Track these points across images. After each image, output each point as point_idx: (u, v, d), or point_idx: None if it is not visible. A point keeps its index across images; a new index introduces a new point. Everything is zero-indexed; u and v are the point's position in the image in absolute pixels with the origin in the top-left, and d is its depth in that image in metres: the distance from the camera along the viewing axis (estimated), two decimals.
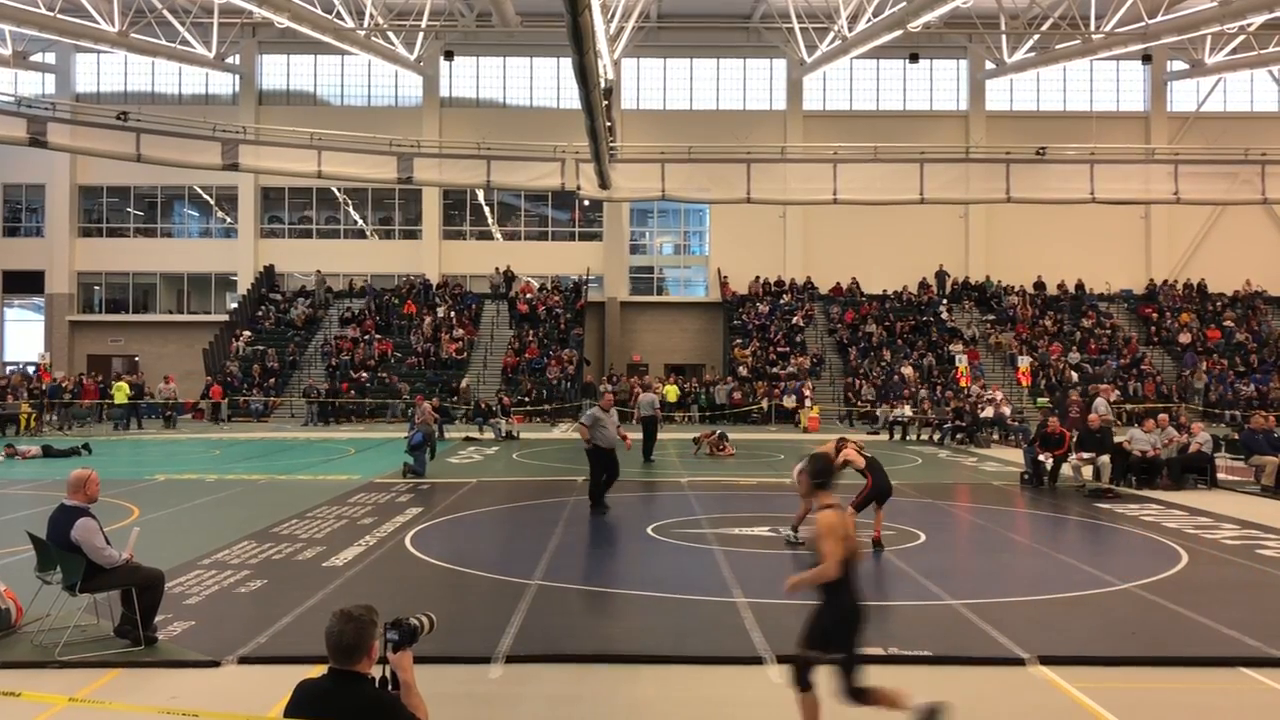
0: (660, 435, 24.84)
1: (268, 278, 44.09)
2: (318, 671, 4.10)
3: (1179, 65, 43.26)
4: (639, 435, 23.32)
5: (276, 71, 44.91)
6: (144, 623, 7.68)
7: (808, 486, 6.14)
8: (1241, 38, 38.35)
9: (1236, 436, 19.93)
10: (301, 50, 43.48)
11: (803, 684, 5.80)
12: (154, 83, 44.50)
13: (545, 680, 7.16)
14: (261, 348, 39.40)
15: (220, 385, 36.53)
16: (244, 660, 7.46)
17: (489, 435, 29.75)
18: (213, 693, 6.83)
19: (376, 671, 4.03)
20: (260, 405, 36.47)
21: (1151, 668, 7.44)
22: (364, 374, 37.79)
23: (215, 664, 7.37)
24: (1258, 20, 32.64)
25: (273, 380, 37.76)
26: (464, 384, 36.54)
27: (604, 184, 31.75)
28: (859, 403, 36.56)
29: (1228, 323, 41.86)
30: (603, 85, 26.33)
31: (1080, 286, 43.62)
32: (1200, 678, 7.23)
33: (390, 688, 4.03)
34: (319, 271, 43.66)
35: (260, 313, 42.31)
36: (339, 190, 44.48)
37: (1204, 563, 11.25)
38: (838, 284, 43.76)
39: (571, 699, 6.80)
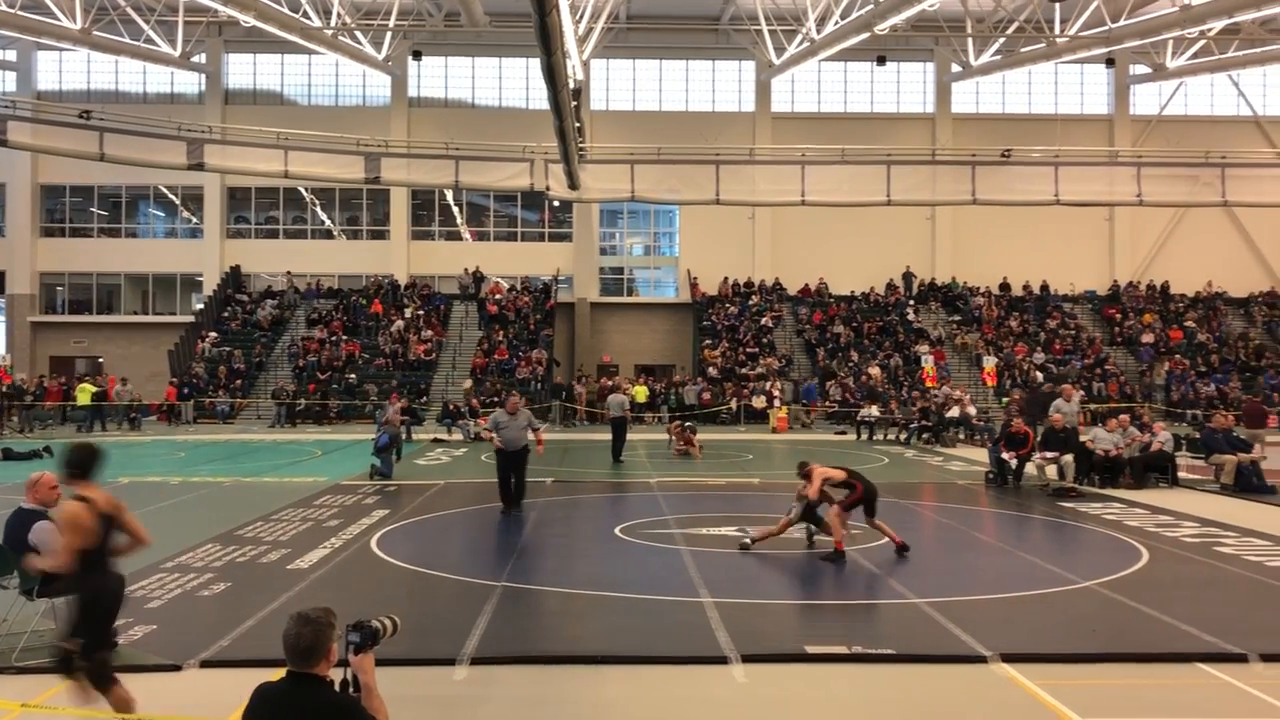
0: (630, 436, 24.85)
1: (234, 278, 43.72)
2: (279, 675, 4.08)
3: (1141, 69, 43.78)
4: (608, 436, 23.41)
5: (243, 70, 44.56)
6: None
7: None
8: (1202, 42, 38.86)
9: (1197, 436, 20.20)
10: (268, 49, 43.16)
11: (97, 681, 5.69)
12: (118, 81, 44.03)
13: (511, 682, 7.16)
14: (228, 349, 39.06)
15: (177, 387, 36.26)
16: (206, 664, 7.40)
17: (457, 437, 29.66)
18: (173, 697, 6.78)
19: (337, 674, 4.02)
20: (226, 407, 36.17)
21: (1111, 664, 7.52)
22: (348, 378, 37.55)
23: (176, 668, 7.32)
24: (1217, 25, 33.09)
25: (239, 382, 37.46)
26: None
27: (573, 185, 31.72)
28: (828, 403, 36.74)
29: (1189, 323, 42.41)
30: (571, 86, 26.30)
31: (1045, 287, 44.06)
32: (1159, 674, 7.33)
33: (351, 690, 4.01)
34: (288, 273, 43.35)
35: (226, 314, 41.95)
36: (306, 190, 44.19)
37: (1164, 560, 11.40)
38: (806, 285, 43.96)
39: (536, 700, 6.80)
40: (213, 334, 40.05)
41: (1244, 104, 45.27)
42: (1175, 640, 8.03)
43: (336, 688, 3.97)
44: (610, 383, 35.72)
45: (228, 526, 13.22)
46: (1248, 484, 17.41)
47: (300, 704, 3.88)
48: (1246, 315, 43.91)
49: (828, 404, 36.70)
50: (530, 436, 15.00)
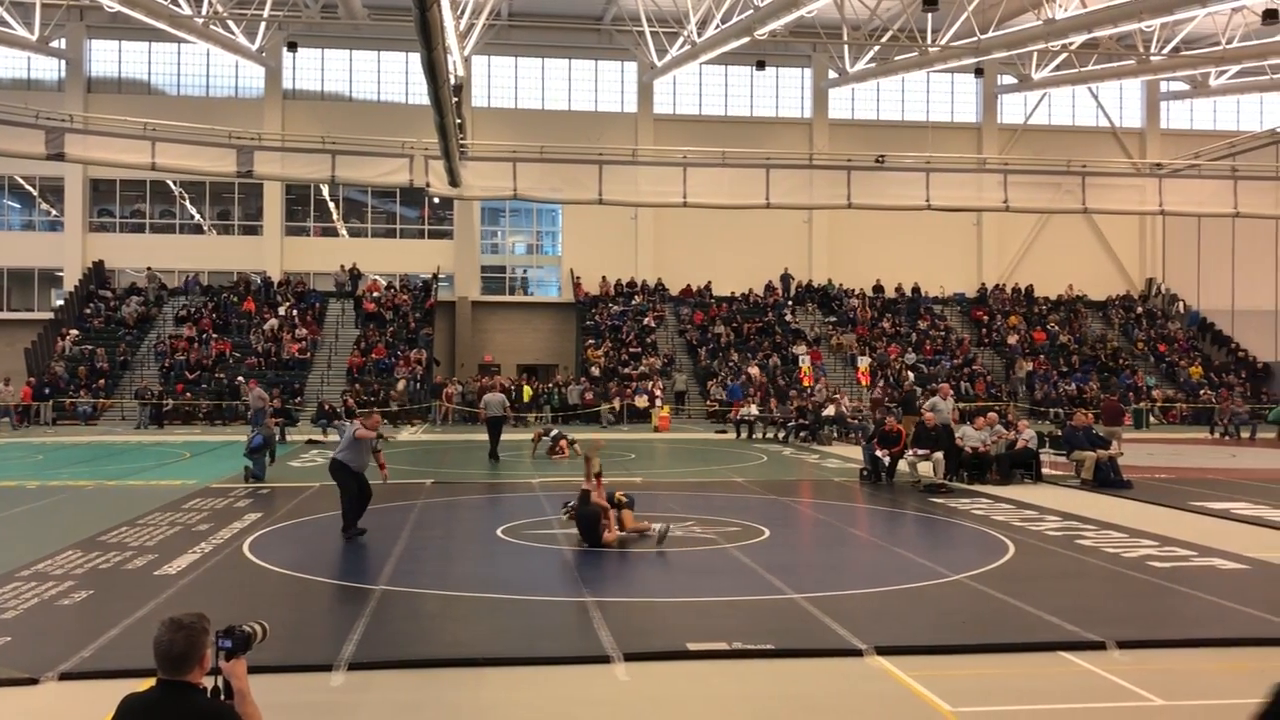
0: (508, 436, 24.70)
1: (97, 274, 41.93)
2: (147, 685, 3.92)
3: (1009, 79, 45.49)
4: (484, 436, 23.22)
5: (107, 58, 42.79)
6: None
7: None
8: (1064, 55, 40.57)
9: (1059, 433, 21.03)
10: (134, 36, 41.52)
11: None
12: None
13: (388, 687, 7.03)
14: (90, 347, 37.47)
15: (34, 387, 34.65)
16: (65, 676, 7.06)
17: (333, 438, 28.94)
18: (30, 713, 6.46)
19: (208, 682, 3.88)
20: (88, 408, 34.68)
21: (979, 654, 7.77)
22: (219, 377, 36.34)
23: (34, 681, 6.96)
24: (1078, 39, 34.60)
25: (102, 382, 35.96)
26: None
27: (454, 181, 31.34)
28: (709, 402, 37.15)
29: (1052, 325, 44.23)
30: (453, 82, 26.00)
31: (916, 290, 45.40)
32: (1023, 662, 7.60)
33: (223, 698, 3.88)
34: (149, 268, 41.80)
35: (89, 310, 40.21)
36: (175, 183, 42.67)
37: (1029, 553, 11.84)
38: (688, 285, 44.37)
39: (414, 705, 6.69)
40: (74, 331, 38.36)
41: (1102, 116, 47.45)
42: (1039, 630, 8.34)
43: (208, 695, 3.84)
44: (489, 382, 35.44)
45: (90, 532, 12.66)
46: (1106, 479, 18.21)
47: (172, 713, 3.73)
48: (1105, 318, 46.03)
49: (709, 403, 37.10)
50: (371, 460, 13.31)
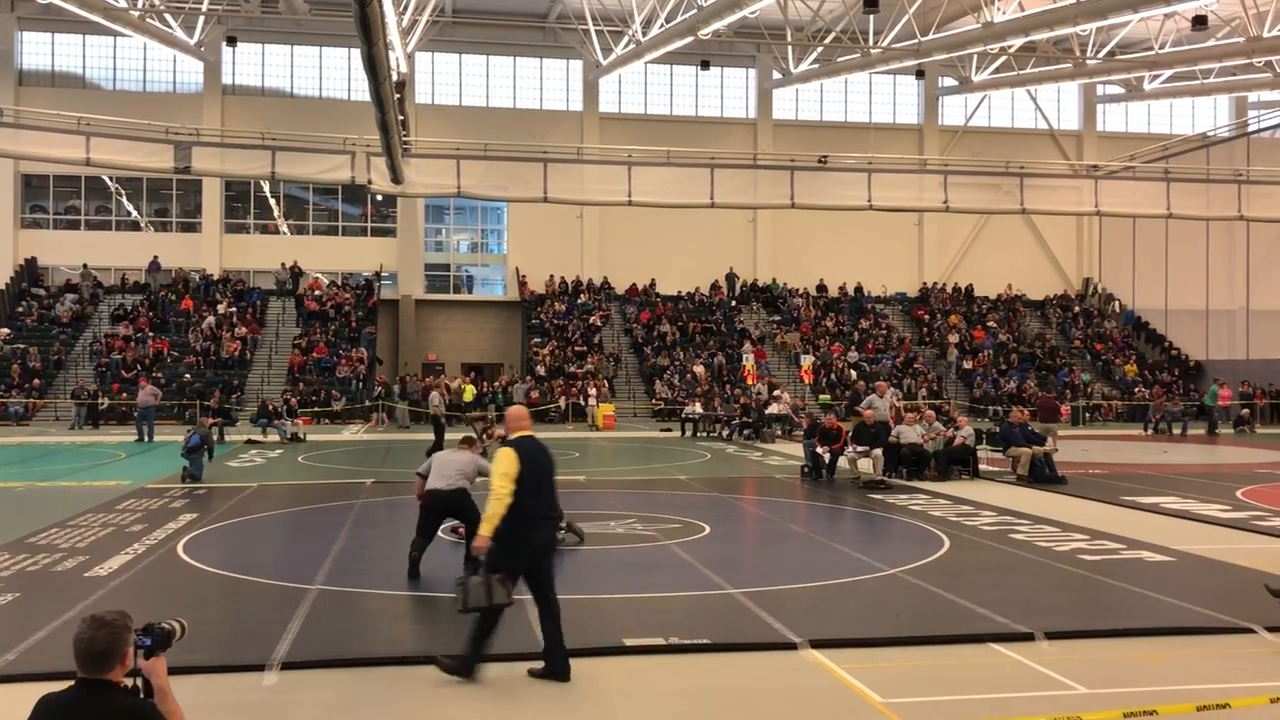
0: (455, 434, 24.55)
1: (29, 271, 41.01)
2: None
3: (949, 82, 46.08)
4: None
5: (39, 50, 41.87)
6: None
7: None
8: (1003, 58, 41.19)
9: (997, 430, 21.37)
10: (68, 29, 40.65)
11: None
12: None
13: (322, 686, 6.97)
14: (22, 346, 36.64)
15: None
16: None
17: (273, 438, 28.60)
18: None
19: (128, 682, 3.83)
20: (20, 408, 33.93)
21: (912, 647, 7.89)
22: (156, 377, 35.68)
23: None
24: (1016, 43, 35.15)
25: (35, 381, 35.18)
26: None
27: (397, 179, 31.04)
28: (654, 400, 37.23)
29: (991, 324, 44.91)
30: (395, 78, 25.74)
31: (859, 289, 45.86)
32: (954, 654, 7.73)
33: (143, 697, 3.84)
34: (85, 265, 40.97)
35: (21, 309, 39.32)
36: (111, 179, 41.87)
37: (964, 547, 12.02)
38: (634, 284, 44.41)
39: (347, 704, 6.65)
40: (5, 330, 37.50)
41: (1041, 118, 48.27)
42: (971, 622, 8.48)
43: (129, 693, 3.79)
44: (432, 381, 35.21)
45: (18, 534, 12.39)
46: (1041, 475, 18.52)
47: (92, 712, 3.68)
48: (1043, 317, 46.86)
49: (654, 402, 37.18)
50: None
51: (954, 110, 47.79)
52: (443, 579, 10.22)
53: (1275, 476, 19.87)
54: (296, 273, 42.08)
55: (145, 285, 41.18)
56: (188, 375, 35.10)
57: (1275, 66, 36.98)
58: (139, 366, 35.99)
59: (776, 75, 42.87)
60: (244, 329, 38.88)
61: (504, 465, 6.96)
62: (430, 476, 10.45)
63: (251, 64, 42.95)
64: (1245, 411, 35.06)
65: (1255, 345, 40.67)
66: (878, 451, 18.59)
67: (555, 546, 7.56)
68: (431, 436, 23.84)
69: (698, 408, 32.41)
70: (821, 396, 37.33)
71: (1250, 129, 43.99)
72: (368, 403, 35.87)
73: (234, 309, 39.94)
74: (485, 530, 6.91)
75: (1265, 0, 31.96)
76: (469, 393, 37.27)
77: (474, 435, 11.55)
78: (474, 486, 10.54)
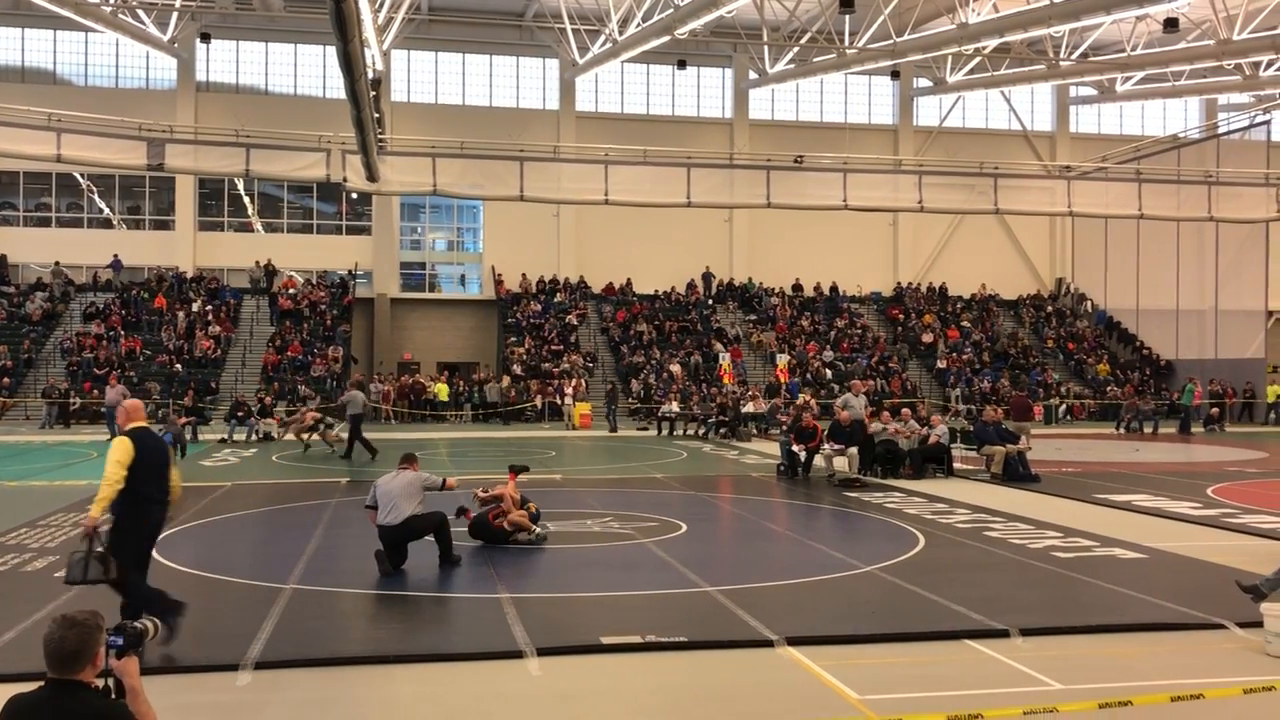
0: (434, 434, 24.48)
1: None
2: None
3: (924, 82, 46.30)
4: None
5: (9, 46, 41.38)
6: None
7: None
8: (978, 59, 41.44)
9: (971, 429, 21.49)
10: (38, 24, 40.19)
11: None
12: None
13: (296, 685, 6.93)
14: None
15: None
16: None
17: (240, 437, 28.34)
18: None
19: (99, 682, 3.79)
20: None
21: (888, 644, 7.93)
22: (129, 376, 35.33)
23: None
24: (991, 44, 35.35)
25: (6, 380, 34.78)
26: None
27: (372, 176, 30.89)
28: (630, 400, 37.21)
29: (965, 323, 45.17)
30: (371, 76, 25.62)
31: (834, 289, 46.02)
32: (931, 651, 7.77)
33: (114, 697, 3.80)
34: (56, 263, 40.53)
35: None
36: (82, 176, 41.45)
37: (938, 545, 12.08)
38: (610, 284, 44.39)
39: (321, 702, 6.61)
40: None
41: (1014, 119, 48.58)
42: (946, 619, 8.52)
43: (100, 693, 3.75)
44: (418, 380, 35.08)
45: None
46: (1014, 473, 18.63)
47: (62, 712, 3.63)
48: (1016, 316, 47.18)
49: (630, 401, 37.17)
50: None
51: (929, 111, 48.02)
52: (417, 578, 10.19)
53: (1245, 474, 20.09)
54: (271, 271, 41.79)
55: (109, 283, 40.72)
56: (154, 385, 34.28)
57: (1245, 69, 37.42)
58: (110, 365, 35.63)
59: (753, 75, 42.93)
60: (218, 327, 38.57)
61: (119, 454, 7.51)
62: (378, 510, 10.48)
63: (226, 61, 42.62)
64: (1215, 410, 35.42)
65: (1224, 345, 41.08)
66: (853, 450, 18.66)
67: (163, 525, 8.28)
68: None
69: (674, 407, 32.41)
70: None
71: (1220, 131, 44.40)
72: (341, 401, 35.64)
73: (208, 307, 39.62)
74: (95, 511, 7.55)
75: (1235, 3, 32.32)
76: (443, 392, 37.14)
77: (413, 453, 11.55)
78: (424, 504, 10.62)
